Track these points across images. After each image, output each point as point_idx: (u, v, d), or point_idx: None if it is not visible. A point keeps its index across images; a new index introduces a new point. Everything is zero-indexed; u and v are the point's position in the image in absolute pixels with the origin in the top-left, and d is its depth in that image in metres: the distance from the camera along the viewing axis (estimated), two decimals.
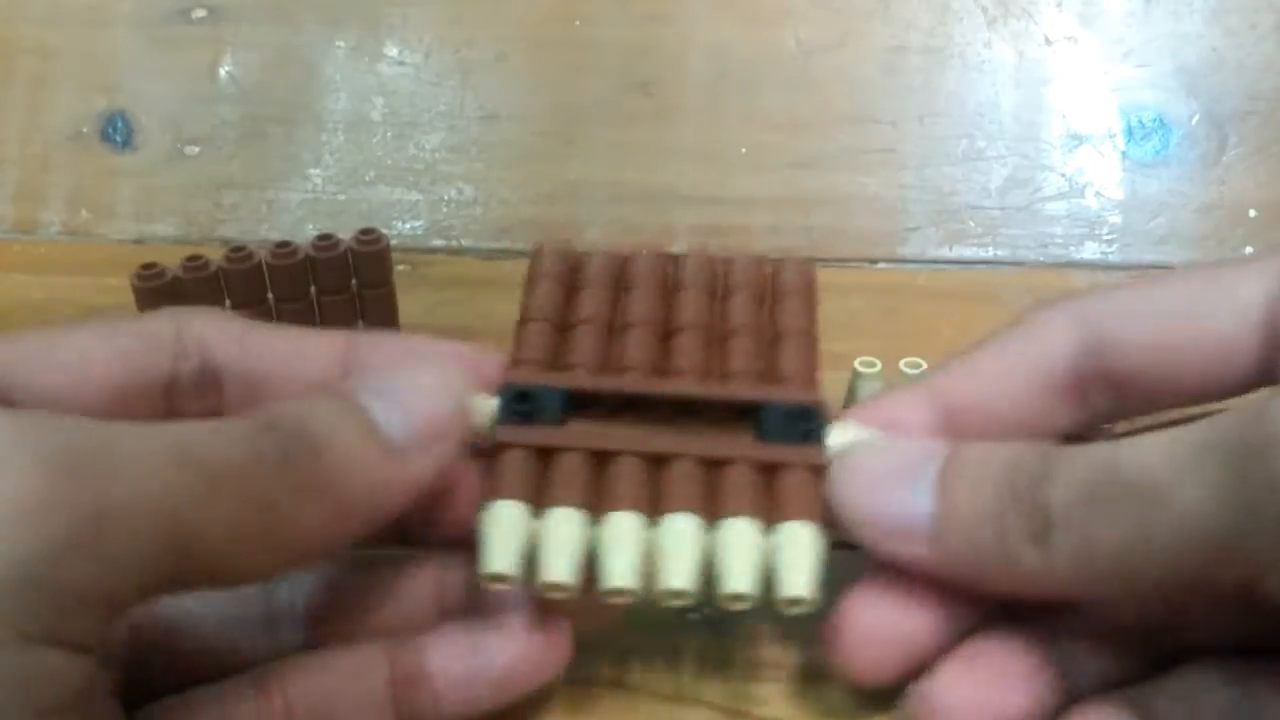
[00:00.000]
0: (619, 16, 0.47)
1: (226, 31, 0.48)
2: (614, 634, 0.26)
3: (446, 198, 0.46)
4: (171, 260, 0.34)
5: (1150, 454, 0.20)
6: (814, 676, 0.26)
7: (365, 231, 0.36)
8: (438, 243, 0.46)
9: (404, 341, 0.26)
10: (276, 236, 0.40)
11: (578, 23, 0.47)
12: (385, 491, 0.22)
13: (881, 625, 0.23)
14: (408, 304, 0.37)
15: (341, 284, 0.35)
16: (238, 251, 0.34)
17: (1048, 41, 0.45)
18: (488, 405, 0.24)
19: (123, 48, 0.49)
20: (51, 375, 0.23)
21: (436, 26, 0.48)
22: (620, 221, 0.45)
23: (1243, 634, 0.23)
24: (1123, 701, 0.22)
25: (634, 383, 0.24)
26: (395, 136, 0.47)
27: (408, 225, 0.46)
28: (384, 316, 0.36)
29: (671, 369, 0.25)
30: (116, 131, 0.48)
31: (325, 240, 0.35)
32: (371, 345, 0.25)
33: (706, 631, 0.27)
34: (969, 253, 0.43)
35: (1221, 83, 0.44)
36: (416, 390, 0.23)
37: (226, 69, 0.48)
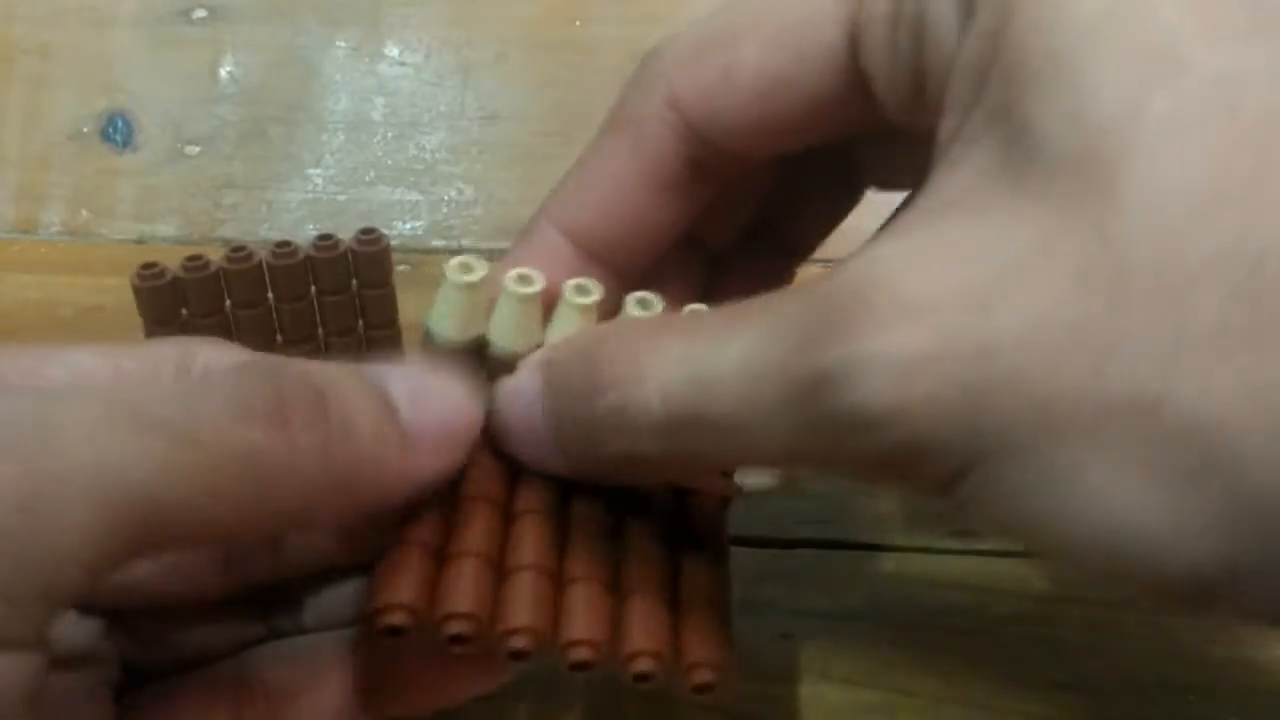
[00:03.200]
0: (619, 16, 0.47)
1: (226, 31, 0.48)
2: None
3: (446, 198, 0.46)
4: (172, 260, 0.34)
5: (727, 386, 0.18)
6: (815, 676, 0.26)
7: (365, 231, 0.36)
8: (438, 243, 0.46)
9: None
10: (277, 236, 0.40)
11: (578, 23, 0.47)
12: (390, 480, 0.20)
13: None
14: (408, 304, 0.37)
15: (341, 284, 0.35)
16: (238, 251, 0.34)
17: None
18: None
19: (123, 48, 0.49)
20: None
21: (437, 27, 0.48)
22: None
23: None
24: None
25: None
26: (396, 137, 0.47)
27: (408, 225, 0.46)
28: (384, 316, 0.36)
29: None
30: (116, 131, 0.48)
31: (325, 240, 0.35)
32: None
33: None
34: None
35: None
36: (436, 389, 0.22)
37: (227, 69, 0.48)
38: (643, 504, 0.23)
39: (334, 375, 0.20)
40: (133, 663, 0.24)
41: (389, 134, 0.47)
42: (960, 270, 0.16)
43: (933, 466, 0.16)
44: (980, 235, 0.16)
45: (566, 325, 0.23)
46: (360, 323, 0.36)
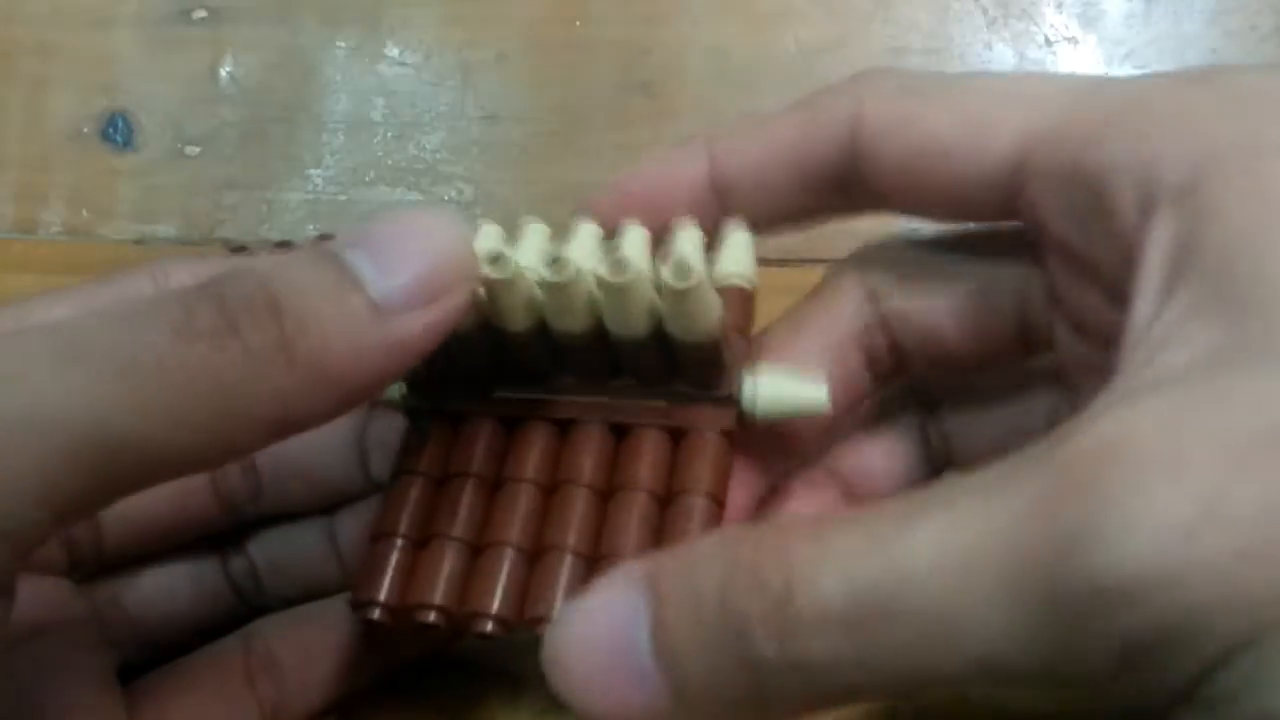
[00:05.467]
0: (619, 16, 0.47)
1: (227, 31, 0.48)
2: None
3: (447, 198, 0.46)
4: None
5: (935, 577, 0.16)
6: None
7: None
8: None
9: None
10: (277, 237, 0.40)
11: (578, 23, 0.47)
12: (371, 356, 0.19)
13: None
14: None
15: None
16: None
17: (1048, 43, 0.45)
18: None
19: (123, 48, 0.49)
20: None
21: (437, 27, 0.48)
22: None
23: None
24: None
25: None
26: (396, 137, 0.47)
27: None
28: None
29: None
30: (117, 131, 0.48)
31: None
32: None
33: None
34: None
35: None
36: (410, 234, 0.20)
37: (227, 69, 0.48)
38: (631, 461, 0.23)
39: (281, 266, 0.19)
40: (134, 654, 0.24)
41: (389, 134, 0.47)
42: (1219, 436, 0.15)
43: (1199, 646, 0.14)
44: (1228, 406, 0.15)
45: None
46: None
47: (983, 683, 0.16)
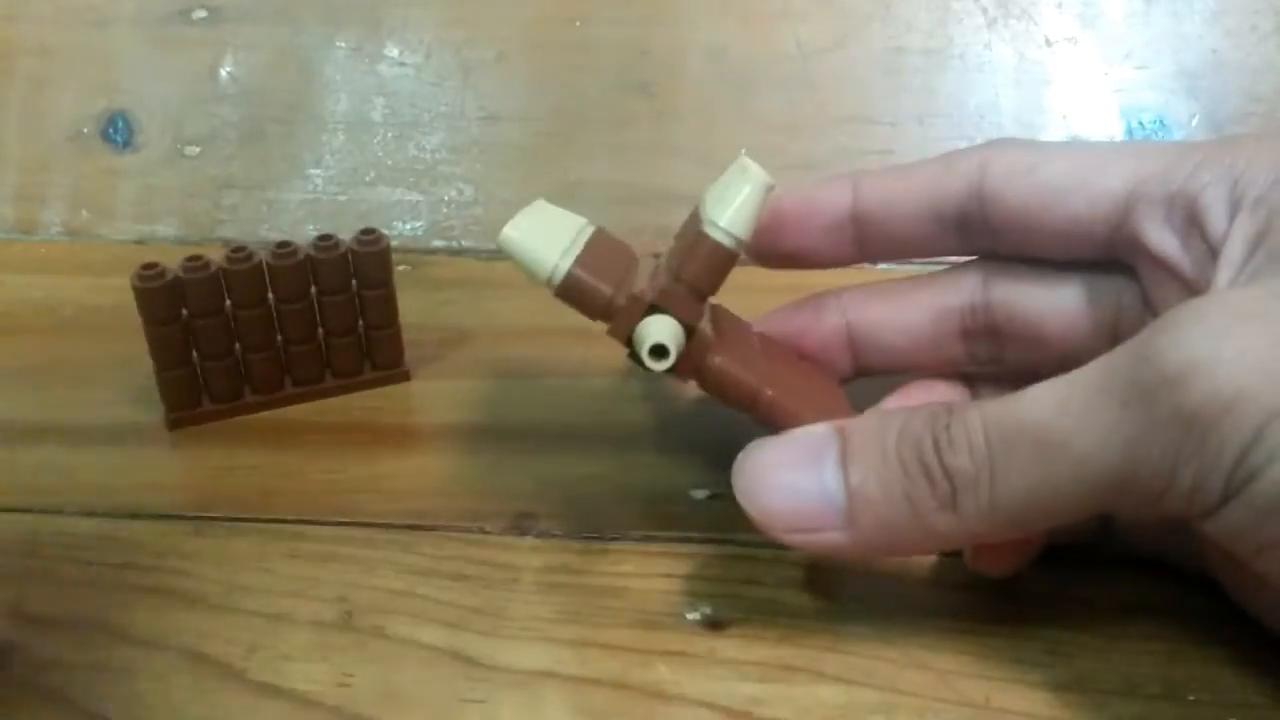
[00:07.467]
0: (619, 16, 0.47)
1: (227, 31, 0.48)
2: (614, 633, 0.26)
3: (447, 198, 0.46)
4: (172, 260, 0.34)
5: (1045, 404, 0.22)
6: (815, 676, 0.26)
7: (365, 232, 0.36)
8: (438, 243, 0.46)
9: None
10: (277, 236, 0.40)
11: (578, 23, 0.47)
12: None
13: None
14: (407, 304, 0.37)
15: (342, 284, 0.35)
16: (238, 252, 0.34)
17: (1048, 42, 0.45)
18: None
19: (123, 48, 0.49)
20: None
21: (437, 27, 0.48)
22: (620, 222, 0.45)
23: None
24: None
25: None
26: (395, 137, 0.47)
27: (408, 225, 0.46)
28: (384, 317, 0.36)
29: None
30: (117, 131, 0.48)
31: (325, 240, 0.35)
32: None
33: (707, 631, 0.27)
34: None
35: (1221, 84, 0.44)
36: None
37: (227, 69, 0.48)
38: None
39: None
40: None
41: (389, 134, 0.47)
42: (1257, 296, 0.21)
43: (1239, 418, 0.19)
44: (1266, 285, 0.22)
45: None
46: (360, 323, 0.36)
47: (1080, 494, 0.21)
